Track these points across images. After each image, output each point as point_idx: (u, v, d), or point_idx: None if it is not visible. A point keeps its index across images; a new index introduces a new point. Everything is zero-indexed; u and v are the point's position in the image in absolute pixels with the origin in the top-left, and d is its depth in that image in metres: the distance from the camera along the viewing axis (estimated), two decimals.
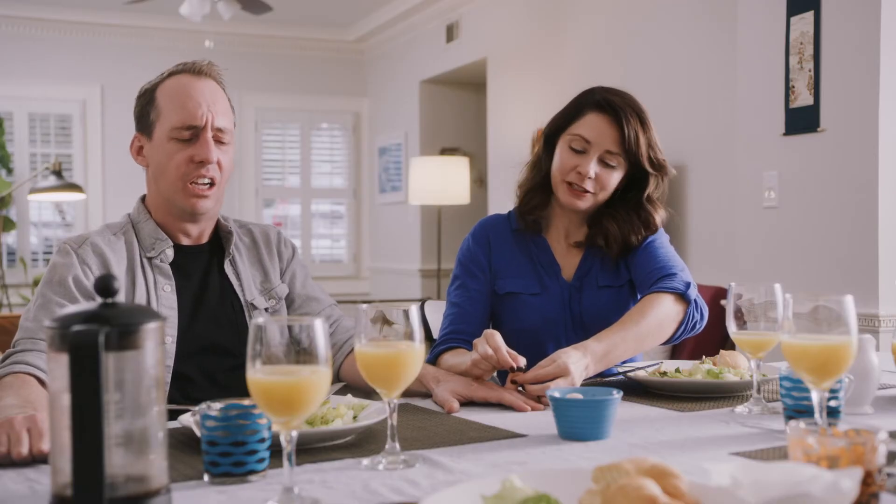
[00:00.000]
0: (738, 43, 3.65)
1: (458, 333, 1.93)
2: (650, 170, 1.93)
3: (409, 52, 7.13)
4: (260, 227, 1.91)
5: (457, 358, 1.79)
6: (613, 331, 1.74)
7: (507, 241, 2.03)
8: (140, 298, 1.69)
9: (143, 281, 1.71)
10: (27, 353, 1.55)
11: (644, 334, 1.76)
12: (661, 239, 2.00)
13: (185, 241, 1.79)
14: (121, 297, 1.67)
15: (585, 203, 1.93)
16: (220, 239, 1.84)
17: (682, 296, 1.84)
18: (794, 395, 1.41)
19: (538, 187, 2.02)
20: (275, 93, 7.57)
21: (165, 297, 1.72)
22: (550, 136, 2.00)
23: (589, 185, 1.90)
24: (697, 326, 1.87)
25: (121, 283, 1.68)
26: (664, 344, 1.85)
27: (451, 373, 1.72)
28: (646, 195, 1.97)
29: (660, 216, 1.99)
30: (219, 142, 1.73)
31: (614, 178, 1.93)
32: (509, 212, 2.08)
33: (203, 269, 1.80)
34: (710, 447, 1.29)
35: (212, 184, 1.72)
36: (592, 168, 1.89)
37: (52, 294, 1.63)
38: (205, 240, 1.82)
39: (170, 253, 1.75)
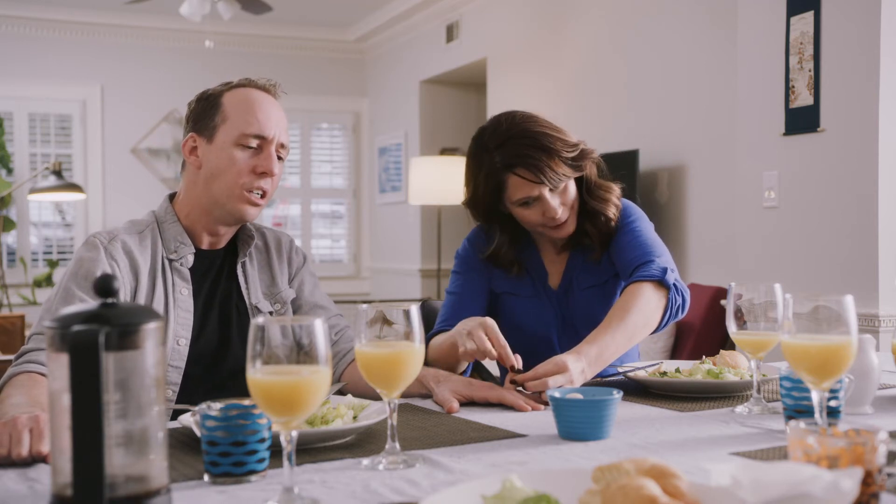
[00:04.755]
0: (738, 43, 3.65)
1: (456, 321, 1.92)
2: (574, 173, 1.91)
3: (409, 52, 7.13)
4: (274, 233, 1.92)
5: (444, 337, 1.80)
6: (602, 331, 1.75)
7: None
8: (158, 300, 1.70)
9: (163, 283, 1.72)
10: (42, 352, 1.55)
11: (632, 330, 1.77)
12: (641, 223, 2.00)
13: (205, 245, 1.80)
14: (141, 298, 1.68)
15: (570, 227, 1.96)
16: (235, 242, 1.84)
17: (661, 282, 1.85)
18: (794, 395, 1.41)
19: (501, 231, 2.00)
20: None
21: (182, 301, 1.73)
22: (489, 213, 1.97)
23: (562, 215, 1.91)
24: (681, 311, 1.89)
25: (143, 284, 1.69)
26: (653, 333, 1.87)
27: (451, 373, 1.73)
28: (593, 183, 1.98)
29: (614, 192, 2.00)
30: (278, 157, 1.76)
31: (571, 192, 1.93)
32: None
33: (215, 271, 1.81)
34: (710, 447, 1.29)
35: (263, 194, 1.75)
36: (556, 207, 1.89)
37: (77, 289, 1.63)
38: (224, 244, 1.83)
39: (190, 258, 1.76)
